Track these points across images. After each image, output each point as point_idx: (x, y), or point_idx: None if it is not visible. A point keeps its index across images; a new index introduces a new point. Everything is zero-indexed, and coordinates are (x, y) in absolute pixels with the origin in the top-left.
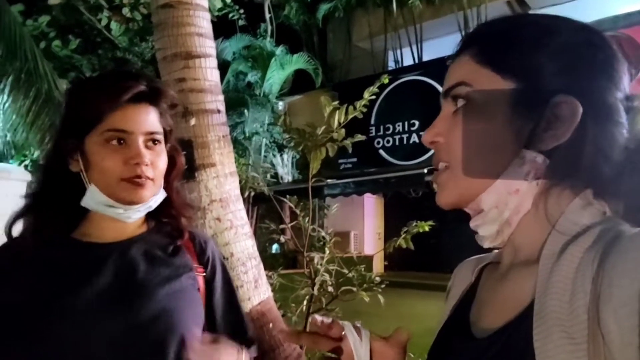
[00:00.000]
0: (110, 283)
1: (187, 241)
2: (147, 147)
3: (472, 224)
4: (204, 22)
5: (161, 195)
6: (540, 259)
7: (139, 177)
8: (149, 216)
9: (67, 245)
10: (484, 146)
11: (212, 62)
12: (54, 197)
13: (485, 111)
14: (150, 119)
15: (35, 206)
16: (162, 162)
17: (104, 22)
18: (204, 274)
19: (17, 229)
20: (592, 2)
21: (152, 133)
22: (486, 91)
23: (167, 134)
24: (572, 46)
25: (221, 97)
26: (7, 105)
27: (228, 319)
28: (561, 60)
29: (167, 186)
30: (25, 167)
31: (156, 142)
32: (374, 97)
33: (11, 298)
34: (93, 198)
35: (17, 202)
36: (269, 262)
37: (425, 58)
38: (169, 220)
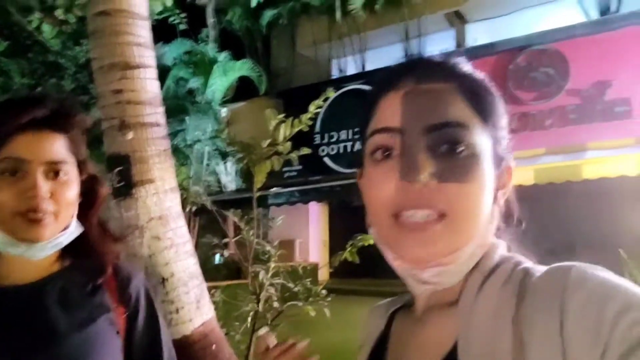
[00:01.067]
0: (16, 333)
1: (109, 277)
2: (48, 177)
3: (428, 275)
4: (143, 31)
5: (74, 230)
6: (460, 300)
7: (34, 211)
8: (65, 251)
9: None
10: (481, 199)
11: (152, 73)
12: None
13: (482, 163)
14: (53, 147)
15: None
16: (69, 194)
17: (35, 23)
18: (126, 313)
19: None
20: (523, 17)
21: (54, 162)
22: (483, 144)
23: (80, 164)
24: (503, 110)
25: (161, 110)
26: None
27: None
28: (505, 124)
29: (85, 219)
30: None
31: (60, 172)
32: (318, 109)
33: None
34: None
35: None
36: (212, 273)
37: (368, 67)
38: (89, 256)
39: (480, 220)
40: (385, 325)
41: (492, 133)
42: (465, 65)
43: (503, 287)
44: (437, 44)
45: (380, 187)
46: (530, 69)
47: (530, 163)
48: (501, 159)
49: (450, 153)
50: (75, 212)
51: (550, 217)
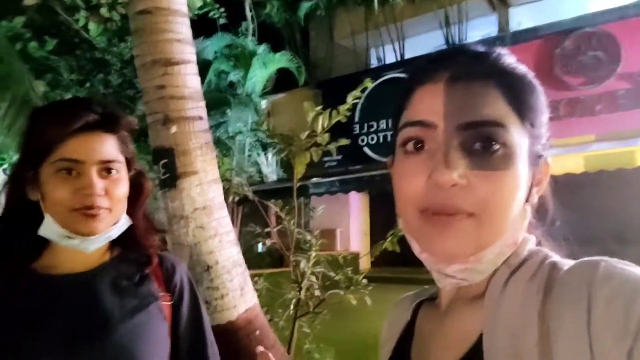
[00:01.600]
0: (72, 319)
1: (154, 267)
2: (101, 176)
3: (452, 270)
4: (183, 28)
5: (124, 224)
6: (486, 293)
7: (90, 207)
8: (113, 243)
9: (27, 278)
10: (513, 198)
11: (192, 69)
12: (15, 226)
13: (517, 162)
14: (105, 147)
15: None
16: (121, 191)
17: (82, 22)
18: (171, 302)
19: None
20: None
21: (106, 162)
22: (520, 141)
23: (129, 161)
24: (544, 106)
25: (202, 104)
26: None
27: (192, 351)
28: (546, 120)
29: (133, 213)
30: (4, 171)
31: (112, 170)
32: (357, 100)
33: None
34: (48, 228)
35: None
36: (255, 261)
37: (407, 55)
38: (135, 247)
39: (510, 220)
40: (411, 318)
41: (530, 131)
42: (507, 58)
43: (530, 281)
44: (478, 29)
45: (409, 181)
46: (579, 53)
47: (579, 150)
48: (538, 156)
49: (484, 151)
50: (125, 206)
51: (601, 205)
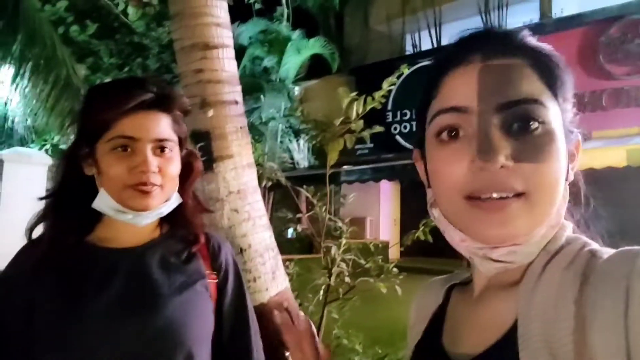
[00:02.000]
0: (124, 291)
1: (201, 245)
2: (155, 154)
3: (498, 254)
4: (221, 12)
5: (175, 201)
6: (523, 280)
7: (144, 184)
8: (163, 220)
9: (82, 250)
10: (559, 174)
11: (230, 53)
12: (70, 200)
13: (557, 139)
14: (159, 126)
15: (53, 209)
16: (173, 169)
17: (121, 7)
18: (216, 280)
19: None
20: None
21: (161, 140)
22: (556, 117)
23: (181, 141)
24: (572, 82)
25: (239, 88)
26: (27, 90)
27: (235, 330)
28: (572, 96)
29: (183, 191)
30: (46, 151)
31: (165, 149)
32: (392, 86)
33: (32, 299)
34: (103, 201)
35: (39, 185)
36: (285, 247)
37: (444, 42)
38: (183, 224)
39: (556, 199)
40: (443, 301)
41: (562, 106)
42: (532, 39)
43: (567, 269)
44: (519, 15)
45: (450, 169)
46: (625, 41)
47: (622, 143)
48: (570, 132)
49: (524, 131)
50: (177, 184)
51: None
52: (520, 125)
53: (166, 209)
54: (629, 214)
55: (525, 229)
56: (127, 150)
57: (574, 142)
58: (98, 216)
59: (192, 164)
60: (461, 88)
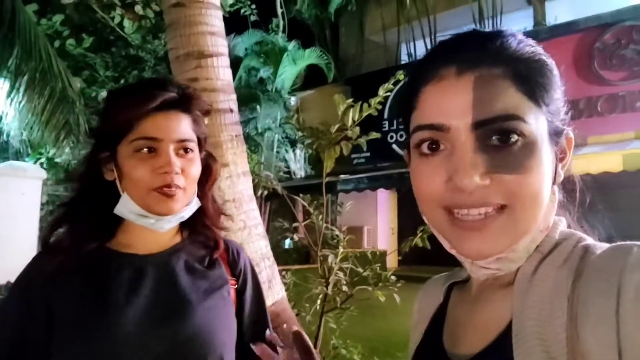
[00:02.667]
0: (153, 297)
1: (221, 251)
2: (178, 155)
3: (485, 263)
4: (216, 21)
5: (195, 205)
6: (516, 279)
7: (169, 186)
8: (182, 225)
9: (105, 256)
10: (541, 186)
11: (225, 61)
12: (90, 206)
13: (539, 149)
14: (181, 126)
15: (72, 215)
16: (195, 170)
17: (117, 20)
18: (236, 286)
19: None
20: None
21: (183, 141)
22: (538, 128)
23: (201, 142)
24: (560, 81)
25: (234, 96)
26: (22, 104)
27: (255, 335)
28: (561, 93)
29: (202, 195)
30: (41, 164)
31: (188, 150)
32: (387, 93)
33: (51, 307)
34: (125, 206)
35: (33, 198)
36: (282, 257)
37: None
38: (202, 230)
39: (540, 209)
40: (443, 300)
41: (546, 110)
42: (513, 41)
43: (561, 267)
44: (513, 23)
45: (428, 183)
46: (619, 47)
47: (618, 148)
48: (559, 132)
49: (502, 144)
50: (196, 187)
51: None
52: (499, 139)
53: (187, 212)
54: (626, 219)
55: (508, 243)
56: (150, 151)
57: (563, 142)
58: (117, 222)
59: (211, 166)
60: (436, 104)
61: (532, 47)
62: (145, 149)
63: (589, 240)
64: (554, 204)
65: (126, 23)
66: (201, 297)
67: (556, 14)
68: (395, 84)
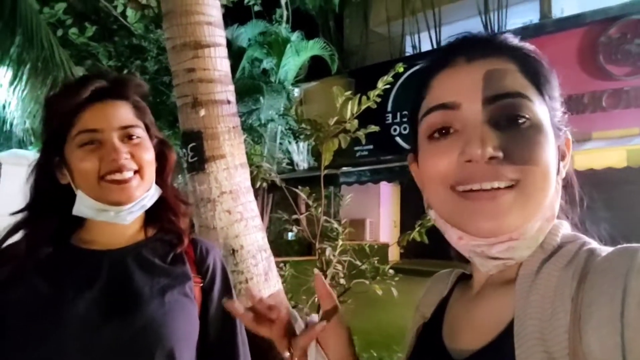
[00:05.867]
0: (104, 293)
1: (188, 248)
2: (123, 142)
3: (497, 251)
4: (213, 11)
5: (155, 193)
6: (517, 278)
7: (120, 170)
8: (148, 223)
9: (65, 252)
10: (549, 165)
11: (222, 52)
12: (48, 211)
13: (545, 131)
14: (121, 113)
15: (29, 221)
16: (146, 155)
17: (120, 9)
18: (202, 284)
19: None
20: None
21: (125, 127)
22: (543, 112)
23: (148, 127)
24: (557, 82)
25: (231, 87)
26: (25, 92)
27: (221, 336)
28: (559, 94)
29: (162, 184)
30: None
31: (133, 136)
32: (388, 86)
33: (12, 301)
34: (82, 204)
35: None
36: (284, 249)
37: (444, 43)
38: (168, 225)
39: (549, 191)
40: (448, 293)
41: (548, 103)
42: (515, 39)
43: (566, 267)
44: (519, 16)
45: (439, 162)
46: (625, 41)
47: (622, 144)
48: (559, 129)
49: (511, 125)
50: (154, 174)
51: None
52: (508, 120)
53: (148, 200)
54: (630, 215)
55: (519, 222)
56: (94, 143)
57: (563, 140)
58: (80, 221)
59: (166, 153)
60: (448, 86)
61: (532, 47)
62: (89, 142)
63: (594, 243)
64: (558, 194)
65: (129, 12)
66: (156, 294)
67: (562, 7)
68: (395, 77)
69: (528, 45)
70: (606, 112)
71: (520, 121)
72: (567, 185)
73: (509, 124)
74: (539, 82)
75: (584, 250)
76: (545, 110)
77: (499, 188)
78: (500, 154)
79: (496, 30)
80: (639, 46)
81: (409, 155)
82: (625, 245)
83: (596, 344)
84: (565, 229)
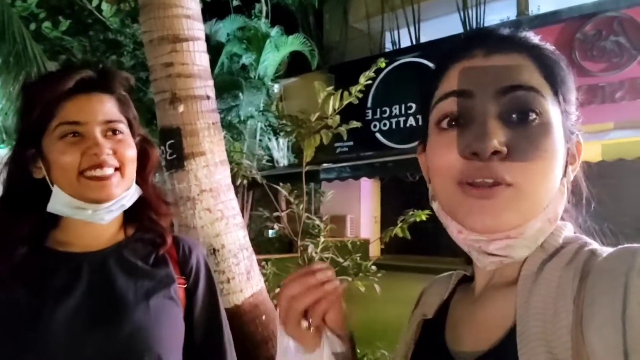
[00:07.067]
0: (86, 299)
1: (170, 248)
2: (106, 137)
3: (494, 248)
4: (192, 4)
5: (135, 192)
6: (519, 278)
7: (100, 166)
8: (128, 222)
9: (41, 256)
10: (552, 167)
11: (201, 46)
12: (21, 208)
13: (554, 132)
14: (105, 107)
15: (2, 219)
16: (129, 152)
17: (95, 2)
18: (185, 285)
19: None
20: None
21: (109, 122)
22: (555, 112)
23: (132, 124)
24: (573, 86)
25: (211, 83)
26: None
27: (207, 337)
28: (574, 98)
29: (142, 183)
30: None
31: (117, 131)
32: (370, 81)
33: None
34: (58, 201)
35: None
36: (265, 246)
37: (423, 39)
38: (149, 224)
39: (550, 193)
40: (448, 295)
41: (562, 106)
42: (535, 38)
43: (566, 268)
44: (497, 13)
45: (446, 154)
46: (600, 38)
47: (597, 138)
48: (571, 132)
49: (521, 122)
50: (134, 172)
51: (619, 196)
52: (519, 115)
53: (127, 199)
54: (604, 209)
55: (516, 220)
56: (76, 136)
57: (574, 143)
58: (55, 221)
59: (148, 150)
60: (464, 76)
61: (554, 48)
62: (70, 134)
63: (595, 244)
64: (563, 197)
65: (104, 6)
66: (140, 298)
67: (539, 4)
68: (375, 73)
69: (548, 46)
70: (582, 107)
71: (530, 117)
72: (575, 187)
73: (519, 120)
74: (555, 82)
75: (585, 251)
76: (557, 111)
77: (499, 184)
78: (505, 150)
79: (474, 27)
80: (614, 43)
81: (419, 146)
82: (626, 245)
83: (598, 343)
84: (568, 230)
